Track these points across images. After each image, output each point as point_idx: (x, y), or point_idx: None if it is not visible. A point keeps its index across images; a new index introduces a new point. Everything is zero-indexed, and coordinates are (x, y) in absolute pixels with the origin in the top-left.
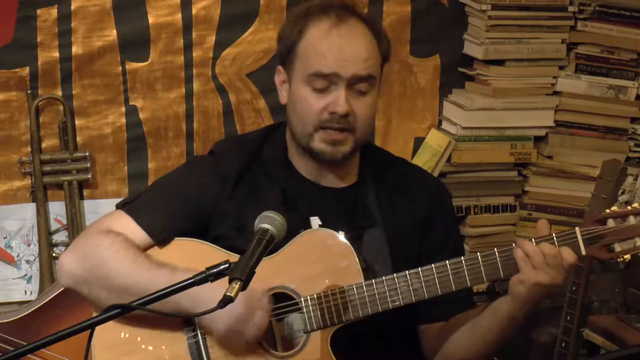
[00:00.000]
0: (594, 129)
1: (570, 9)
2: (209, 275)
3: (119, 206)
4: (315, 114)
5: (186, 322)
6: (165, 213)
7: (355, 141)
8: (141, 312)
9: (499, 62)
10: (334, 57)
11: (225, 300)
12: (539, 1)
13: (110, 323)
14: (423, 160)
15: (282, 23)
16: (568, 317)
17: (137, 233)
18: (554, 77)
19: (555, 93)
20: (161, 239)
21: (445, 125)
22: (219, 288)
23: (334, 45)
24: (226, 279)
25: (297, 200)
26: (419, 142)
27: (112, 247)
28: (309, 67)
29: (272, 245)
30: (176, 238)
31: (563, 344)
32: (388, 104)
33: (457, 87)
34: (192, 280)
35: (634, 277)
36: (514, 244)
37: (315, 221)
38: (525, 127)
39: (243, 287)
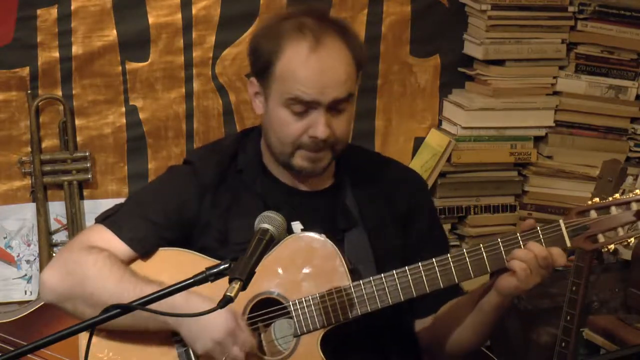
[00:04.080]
0: (594, 129)
1: (570, 9)
2: (209, 275)
3: (98, 220)
4: (295, 136)
5: (174, 333)
6: (146, 224)
7: (334, 155)
8: (131, 325)
9: (499, 62)
10: (313, 85)
11: (225, 300)
12: (539, 1)
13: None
14: (423, 160)
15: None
16: (568, 317)
17: (119, 247)
18: (554, 77)
19: (555, 93)
20: (144, 251)
21: (445, 125)
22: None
23: (314, 72)
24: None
25: (277, 207)
26: (419, 142)
27: (95, 264)
28: (287, 92)
29: (272, 245)
30: (161, 248)
31: (563, 344)
32: (388, 104)
33: (457, 87)
34: (192, 280)
35: (634, 277)
36: (499, 239)
37: (296, 226)
38: (525, 127)
39: (243, 287)
